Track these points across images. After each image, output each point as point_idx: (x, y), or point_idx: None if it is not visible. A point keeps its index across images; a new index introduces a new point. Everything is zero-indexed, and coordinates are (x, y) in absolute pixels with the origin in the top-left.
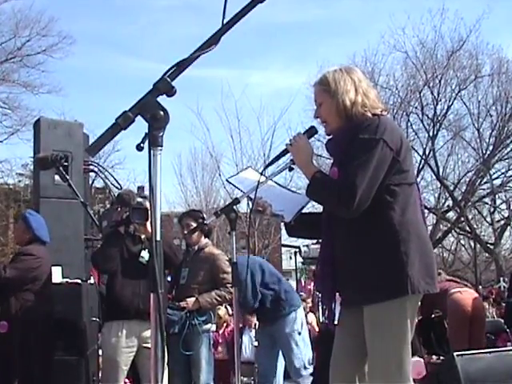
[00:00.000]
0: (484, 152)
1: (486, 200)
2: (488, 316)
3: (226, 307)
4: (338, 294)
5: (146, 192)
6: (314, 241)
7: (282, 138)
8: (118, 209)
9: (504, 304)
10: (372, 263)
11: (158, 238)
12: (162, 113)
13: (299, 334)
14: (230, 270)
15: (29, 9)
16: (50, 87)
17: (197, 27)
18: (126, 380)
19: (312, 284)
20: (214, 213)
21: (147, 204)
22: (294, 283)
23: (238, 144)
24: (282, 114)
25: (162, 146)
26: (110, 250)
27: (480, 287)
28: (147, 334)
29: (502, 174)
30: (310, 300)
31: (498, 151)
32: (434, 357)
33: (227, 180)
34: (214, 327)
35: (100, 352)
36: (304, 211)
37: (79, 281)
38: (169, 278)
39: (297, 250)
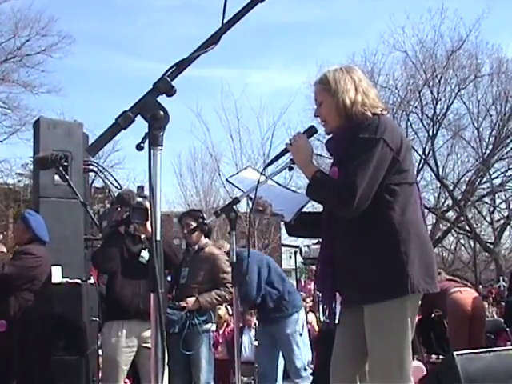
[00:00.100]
0: (484, 151)
1: (486, 199)
2: (488, 315)
3: (226, 307)
4: (338, 293)
5: (146, 192)
6: (315, 241)
7: (281, 138)
8: (118, 209)
9: (504, 303)
10: (372, 263)
11: (158, 238)
12: (161, 112)
13: (300, 335)
14: (230, 269)
15: (28, 8)
16: (50, 87)
17: (196, 27)
18: (126, 380)
19: (312, 284)
20: (214, 212)
21: (147, 204)
22: (293, 283)
23: (238, 144)
24: (281, 114)
25: (162, 146)
26: (110, 249)
27: (480, 287)
28: (147, 333)
29: (502, 173)
30: (309, 300)
31: (497, 151)
32: (434, 356)
33: (227, 179)
34: (214, 327)
35: (100, 352)
36: (304, 211)
37: (79, 281)
38: (169, 278)
39: (297, 249)
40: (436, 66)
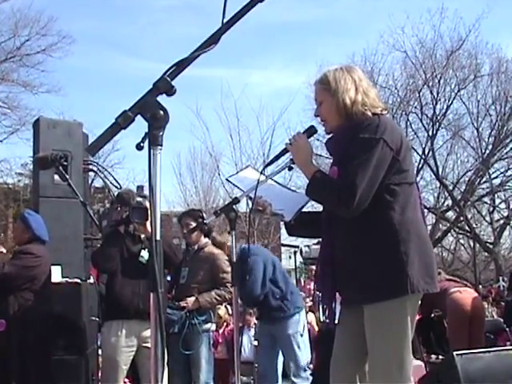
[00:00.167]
0: (483, 151)
1: (486, 199)
2: (487, 315)
3: (225, 307)
4: (338, 293)
5: (146, 191)
6: (315, 241)
7: (281, 138)
8: (117, 208)
9: (503, 303)
10: (372, 263)
11: (158, 238)
12: (161, 112)
13: (301, 335)
14: (229, 269)
15: (28, 8)
16: (50, 87)
17: (196, 27)
18: (126, 380)
19: (312, 284)
20: (214, 212)
21: (147, 203)
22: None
23: (238, 143)
24: (281, 114)
25: (161, 146)
26: (109, 249)
27: (480, 286)
28: (147, 333)
29: (502, 173)
30: (309, 300)
31: (497, 151)
32: (434, 356)
33: (227, 179)
34: (213, 327)
35: (100, 351)
36: (304, 210)
37: (79, 280)
38: (168, 278)
39: (296, 249)
40: (436, 66)
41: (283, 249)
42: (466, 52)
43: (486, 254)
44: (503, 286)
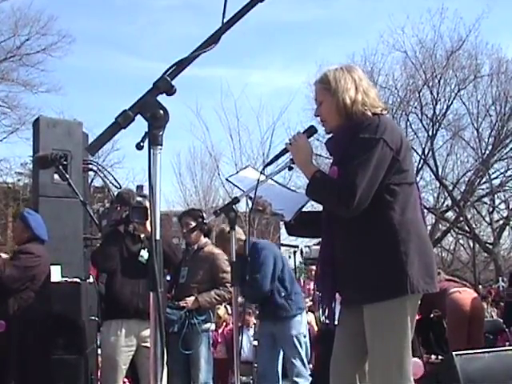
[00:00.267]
0: (483, 152)
1: (485, 200)
2: (487, 316)
3: (225, 306)
4: (337, 293)
5: (146, 191)
6: (315, 241)
7: (281, 138)
8: (117, 208)
9: (503, 304)
10: (372, 263)
11: (158, 237)
12: (161, 112)
13: (304, 336)
14: (229, 269)
15: (28, 7)
16: (50, 86)
17: (196, 27)
18: (125, 379)
19: (311, 284)
20: (214, 212)
21: (147, 203)
22: None
23: (238, 143)
24: (281, 114)
25: (161, 145)
26: (109, 249)
27: (480, 287)
28: (146, 333)
29: (501, 173)
30: (308, 300)
31: (497, 151)
32: (433, 356)
33: (227, 179)
34: (213, 326)
35: (99, 351)
36: (304, 210)
37: (78, 280)
38: (168, 277)
39: (296, 249)
40: (436, 67)
41: (283, 249)
42: (466, 52)
43: (486, 254)
44: (503, 287)
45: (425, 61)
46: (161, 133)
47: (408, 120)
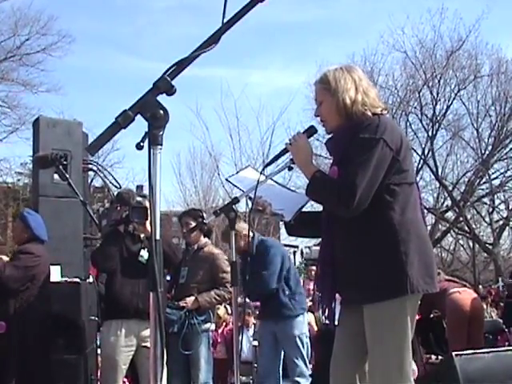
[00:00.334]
0: (483, 152)
1: (485, 200)
2: (486, 316)
3: (225, 306)
4: (338, 294)
5: (145, 191)
6: (316, 242)
7: (281, 138)
8: (117, 208)
9: (502, 304)
10: (372, 263)
11: (158, 237)
12: (161, 112)
13: (306, 336)
14: (229, 269)
15: (28, 7)
16: (49, 86)
17: (196, 27)
18: (125, 379)
19: (311, 284)
20: (214, 212)
21: (146, 203)
22: None
23: (237, 143)
24: (281, 114)
25: (161, 145)
26: (109, 248)
27: (480, 287)
28: (146, 333)
29: (501, 174)
30: (308, 300)
31: (496, 151)
32: (433, 357)
33: (227, 179)
34: (213, 326)
35: (99, 351)
36: (304, 210)
37: (78, 280)
38: (168, 277)
39: (296, 249)
40: (436, 67)
41: None
42: (466, 52)
43: (486, 254)
44: (502, 287)
45: (425, 61)
46: (161, 133)
47: (408, 120)
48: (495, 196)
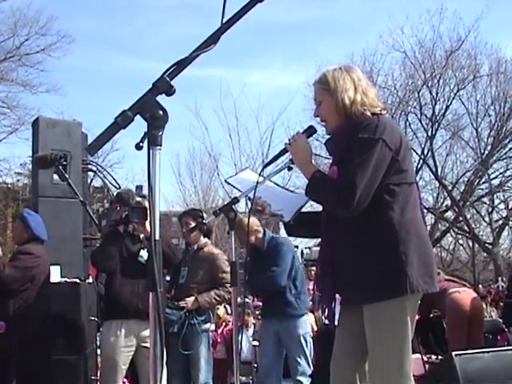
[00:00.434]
0: (482, 152)
1: (485, 200)
2: (486, 316)
3: (224, 307)
4: (337, 294)
5: (145, 191)
6: (316, 242)
7: (280, 138)
8: (117, 208)
9: (502, 304)
10: (371, 263)
11: (157, 237)
12: (161, 112)
13: (310, 336)
14: (229, 269)
15: (27, 8)
16: (49, 86)
17: (196, 27)
18: (125, 379)
19: (311, 284)
20: (213, 212)
21: (146, 203)
22: None
23: (237, 143)
24: (280, 114)
25: (161, 146)
26: (109, 248)
27: (480, 286)
28: (146, 333)
29: (501, 173)
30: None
31: (496, 151)
32: (433, 356)
33: (226, 181)
34: (213, 327)
35: (99, 351)
36: (303, 210)
37: (78, 280)
38: (168, 278)
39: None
40: (435, 67)
41: None
42: (466, 52)
43: (485, 254)
44: (502, 287)
45: (424, 61)
46: (160, 133)
47: (407, 120)
48: (495, 196)
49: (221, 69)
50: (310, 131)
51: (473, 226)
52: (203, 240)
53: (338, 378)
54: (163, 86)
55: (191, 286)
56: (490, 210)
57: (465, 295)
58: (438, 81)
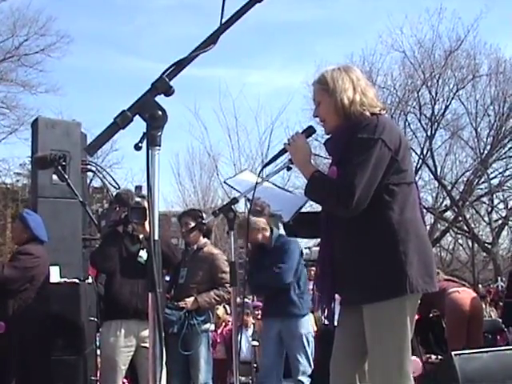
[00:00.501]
0: (482, 151)
1: (484, 199)
2: (485, 315)
3: (224, 307)
4: (337, 294)
5: (144, 191)
6: (316, 243)
7: (279, 138)
8: (116, 208)
9: (502, 303)
10: (371, 263)
11: (156, 238)
12: (160, 112)
13: (312, 336)
14: (228, 269)
15: (27, 8)
16: (48, 86)
17: (195, 27)
18: (125, 380)
19: (311, 284)
20: (213, 212)
21: (145, 203)
22: None
23: (236, 143)
24: (279, 114)
25: (160, 146)
26: (108, 249)
27: (479, 286)
28: (145, 333)
29: (500, 173)
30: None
31: (495, 151)
32: (433, 356)
33: (225, 182)
34: (212, 327)
35: (98, 351)
36: (302, 211)
37: (77, 280)
38: (167, 278)
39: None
40: (434, 66)
41: None
42: (465, 52)
43: (485, 254)
44: (502, 286)
45: (423, 61)
46: (159, 133)
47: (406, 120)
48: (494, 195)
49: (220, 69)
50: (310, 131)
51: (472, 225)
52: (203, 240)
53: (337, 378)
54: (162, 86)
55: (191, 286)
56: (490, 209)
57: (464, 295)
58: (438, 81)
